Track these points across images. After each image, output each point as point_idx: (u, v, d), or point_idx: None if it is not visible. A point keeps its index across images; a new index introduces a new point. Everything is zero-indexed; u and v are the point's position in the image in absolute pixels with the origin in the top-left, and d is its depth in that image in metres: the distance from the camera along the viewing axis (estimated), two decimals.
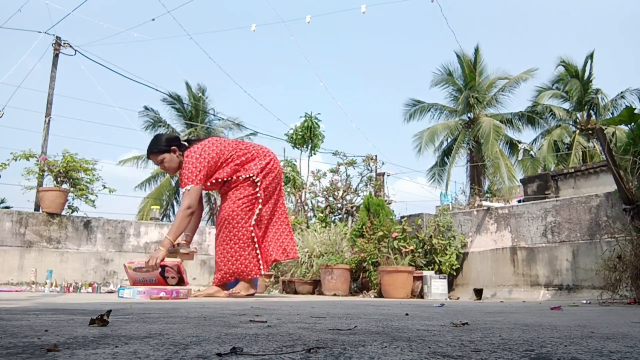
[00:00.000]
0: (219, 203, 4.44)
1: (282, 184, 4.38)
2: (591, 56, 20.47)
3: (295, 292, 6.39)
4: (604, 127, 4.63)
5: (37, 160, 6.44)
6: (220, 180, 3.97)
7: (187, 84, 22.17)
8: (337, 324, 1.55)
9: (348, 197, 8.18)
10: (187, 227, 3.82)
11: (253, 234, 3.98)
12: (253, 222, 3.98)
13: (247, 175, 4.00)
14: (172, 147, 3.86)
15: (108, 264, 6.46)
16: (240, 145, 4.14)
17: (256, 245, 3.98)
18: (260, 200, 4.03)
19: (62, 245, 6.17)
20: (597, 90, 20.76)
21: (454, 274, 5.98)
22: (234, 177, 4.01)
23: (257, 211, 4.01)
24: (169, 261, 3.68)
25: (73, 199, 6.42)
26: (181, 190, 3.80)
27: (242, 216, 3.97)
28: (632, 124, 4.05)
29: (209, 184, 3.95)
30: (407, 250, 5.84)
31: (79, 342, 0.99)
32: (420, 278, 5.65)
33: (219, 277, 4.02)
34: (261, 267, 4.01)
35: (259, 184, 4.01)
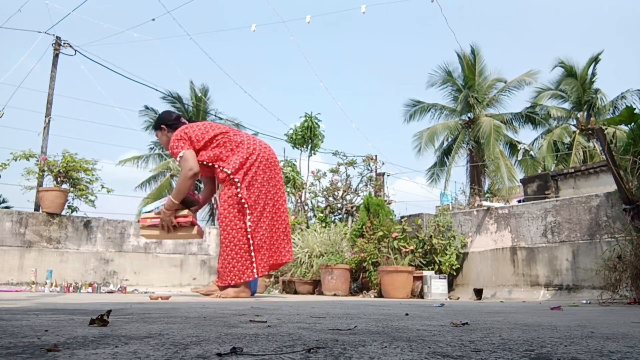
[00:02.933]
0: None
1: (280, 179, 4.17)
2: (596, 58, 20.42)
3: (295, 292, 6.39)
4: (604, 127, 4.63)
5: (37, 160, 6.44)
6: (202, 162, 3.91)
7: (191, 83, 22.13)
8: (337, 324, 1.55)
9: (348, 197, 8.18)
10: (189, 190, 3.93)
11: (249, 236, 3.88)
12: (249, 223, 3.87)
13: (227, 171, 3.88)
14: (162, 126, 4.14)
15: (108, 264, 6.46)
16: (229, 133, 4.01)
17: (251, 248, 3.88)
18: (243, 201, 3.87)
19: (62, 245, 6.17)
20: (597, 91, 20.75)
21: (454, 274, 5.98)
22: (215, 166, 3.93)
23: (247, 212, 3.88)
24: (181, 220, 3.98)
25: (73, 199, 6.42)
26: (176, 162, 3.94)
27: (231, 218, 3.89)
28: (632, 124, 4.06)
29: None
30: (407, 250, 5.83)
31: (79, 342, 0.99)
32: (420, 278, 5.65)
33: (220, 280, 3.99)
34: (254, 271, 3.89)
35: (238, 183, 3.87)
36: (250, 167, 3.94)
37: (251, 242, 3.90)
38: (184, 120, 4.19)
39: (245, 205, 3.89)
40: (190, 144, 3.88)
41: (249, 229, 3.88)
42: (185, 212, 4.00)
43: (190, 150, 3.85)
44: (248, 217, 3.90)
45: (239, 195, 3.89)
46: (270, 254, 4.07)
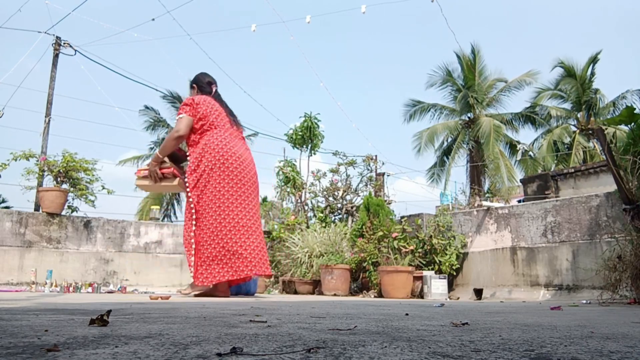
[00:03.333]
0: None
1: (253, 191, 4.10)
2: (595, 58, 20.41)
3: (295, 292, 6.39)
4: (604, 127, 4.64)
5: (37, 160, 6.44)
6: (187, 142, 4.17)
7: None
8: (337, 324, 1.55)
9: (348, 197, 8.17)
10: (173, 149, 4.18)
11: (192, 240, 3.93)
12: (194, 228, 3.94)
13: (186, 168, 4.11)
14: (193, 85, 4.40)
15: (108, 264, 6.46)
16: (218, 129, 4.05)
17: (192, 252, 3.93)
18: (191, 200, 3.96)
19: (62, 245, 6.17)
20: (597, 91, 20.74)
21: (454, 274, 5.98)
22: (187, 152, 4.21)
23: (194, 218, 3.94)
24: (164, 170, 4.24)
25: (73, 199, 6.42)
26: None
27: (187, 216, 4.05)
28: (632, 124, 4.06)
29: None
30: (407, 250, 5.84)
31: (79, 342, 0.99)
32: (420, 278, 5.65)
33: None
34: (191, 273, 3.92)
35: (187, 187, 4.00)
36: (201, 174, 3.95)
37: (193, 246, 3.92)
38: (213, 87, 4.35)
39: (193, 211, 3.94)
40: (193, 114, 4.05)
41: (192, 233, 3.94)
42: (168, 164, 4.25)
43: (189, 117, 4.04)
44: (194, 222, 3.94)
45: (189, 194, 4.00)
46: (230, 268, 3.89)
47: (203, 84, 4.33)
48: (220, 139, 4.02)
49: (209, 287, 3.94)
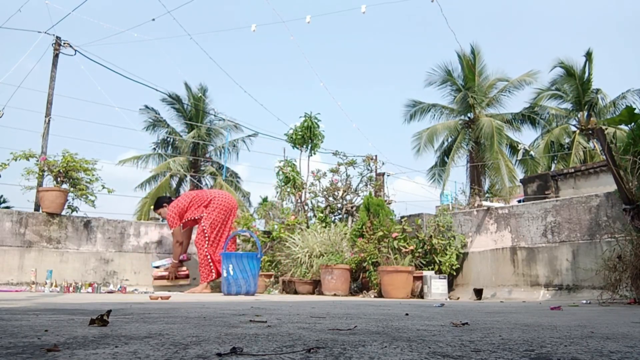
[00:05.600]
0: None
1: (216, 217, 6.36)
2: (589, 55, 20.38)
3: (295, 292, 6.39)
4: (604, 127, 4.63)
5: (37, 160, 6.43)
6: (190, 219, 6.41)
7: (186, 84, 22.04)
8: (337, 324, 1.55)
9: (348, 197, 8.17)
10: (181, 252, 6.46)
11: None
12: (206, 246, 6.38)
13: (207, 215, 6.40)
14: (164, 204, 6.58)
15: (108, 264, 6.45)
16: (199, 196, 6.51)
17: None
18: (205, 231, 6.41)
19: (62, 245, 6.17)
20: (598, 90, 20.71)
21: (454, 274, 5.98)
22: (200, 216, 6.40)
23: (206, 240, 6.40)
24: (181, 273, 6.56)
25: (73, 199, 6.41)
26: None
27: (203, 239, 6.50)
28: (632, 124, 4.06)
29: (185, 220, 6.37)
30: (407, 250, 5.83)
31: (79, 342, 0.99)
32: (420, 278, 5.65)
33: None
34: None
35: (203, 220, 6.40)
36: (212, 211, 6.42)
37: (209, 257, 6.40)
38: (172, 198, 6.63)
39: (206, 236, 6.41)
40: (180, 219, 6.29)
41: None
42: (184, 267, 6.53)
43: (177, 227, 6.28)
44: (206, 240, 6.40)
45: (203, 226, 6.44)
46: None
47: (167, 201, 6.55)
48: (206, 196, 6.56)
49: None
